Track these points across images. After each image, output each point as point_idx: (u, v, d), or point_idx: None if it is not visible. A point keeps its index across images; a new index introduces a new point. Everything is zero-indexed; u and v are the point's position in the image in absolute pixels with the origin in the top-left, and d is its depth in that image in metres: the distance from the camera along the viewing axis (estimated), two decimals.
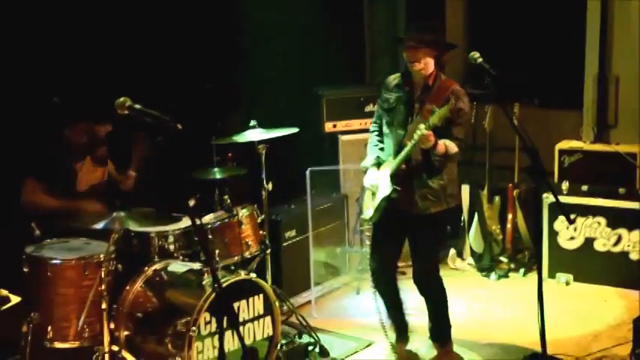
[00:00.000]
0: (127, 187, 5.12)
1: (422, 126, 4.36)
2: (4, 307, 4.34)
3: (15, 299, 4.37)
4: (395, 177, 4.60)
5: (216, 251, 4.62)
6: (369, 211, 4.77)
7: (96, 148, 4.92)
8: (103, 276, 4.20)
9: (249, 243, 4.82)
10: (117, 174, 5.11)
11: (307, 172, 5.67)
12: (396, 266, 4.94)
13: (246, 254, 4.83)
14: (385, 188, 4.62)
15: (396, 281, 4.95)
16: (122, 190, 5.07)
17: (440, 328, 4.94)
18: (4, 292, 4.38)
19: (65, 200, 4.74)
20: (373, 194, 4.74)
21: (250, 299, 4.49)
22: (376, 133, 4.88)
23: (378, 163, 4.77)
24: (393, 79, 4.78)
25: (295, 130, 5.13)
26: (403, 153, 4.55)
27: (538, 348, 3.87)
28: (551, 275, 6.24)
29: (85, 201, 4.82)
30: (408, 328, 5.03)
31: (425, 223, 4.68)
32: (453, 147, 4.52)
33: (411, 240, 4.82)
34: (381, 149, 4.81)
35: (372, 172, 4.76)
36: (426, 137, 4.36)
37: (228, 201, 4.83)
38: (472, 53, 4.01)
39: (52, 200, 4.72)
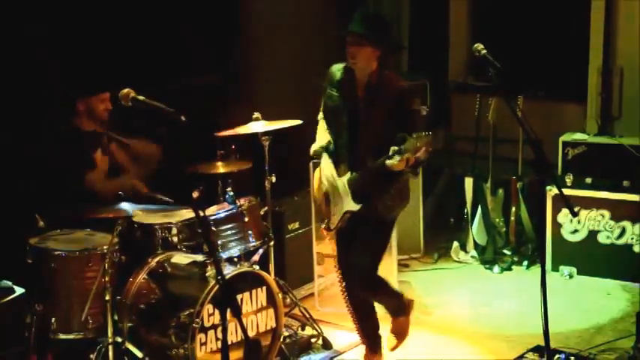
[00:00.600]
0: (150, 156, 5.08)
1: (396, 157, 3.99)
2: (8, 298, 4.35)
3: (19, 290, 4.38)
4: (355, 190, 4.36)
5: (219, 243, 4.62)
6: (333, 220, 4.52)
7: (102, 137, 4.93)
8: (106, 267, 4.20)
9: (253, 235, 4.82)
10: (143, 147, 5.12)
11: (310, 164, 5.66)
12: None
13: (250, 246, 4.83)
14: (349, 201, 4.39)
15: None
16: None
17: (394, 303, 4.71)
18: (8, 284, 4.39)
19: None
20: (330, 195, 4.52)
21: (253, 291, 4.49)
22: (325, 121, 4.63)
23: (330, 150, 4.52)
24: (338, 70, 4.47)
25: (299, 122, 5.12)
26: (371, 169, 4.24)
27: (541, 341, 3.87)
28: (555, 268, 6.24)
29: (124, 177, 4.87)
30: (381, 340, 4.76)
31: (381, 226, 4.48)
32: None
33: (362, 239, 4.48)
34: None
35: (327, 163, 4.51)
36: (399, 166, 4.05)
37: (232, 193, 4.83)
38: (476, 45, 3.99)
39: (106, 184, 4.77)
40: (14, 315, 4.32)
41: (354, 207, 4.38)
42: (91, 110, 4.87)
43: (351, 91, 4.39)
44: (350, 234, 4.51)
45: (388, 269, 5.78)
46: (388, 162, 4.04)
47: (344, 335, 5.20)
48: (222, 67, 6.15)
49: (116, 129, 4.98)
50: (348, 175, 4.42)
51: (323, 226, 4.66)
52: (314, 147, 4.61)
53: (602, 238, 6.14)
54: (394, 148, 4.00)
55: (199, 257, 4.56)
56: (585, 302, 5.79)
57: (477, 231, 6.53)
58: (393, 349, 4.75)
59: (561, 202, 6.02)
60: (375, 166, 4.20)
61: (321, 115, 4.70)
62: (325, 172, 4.59)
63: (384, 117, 4.24)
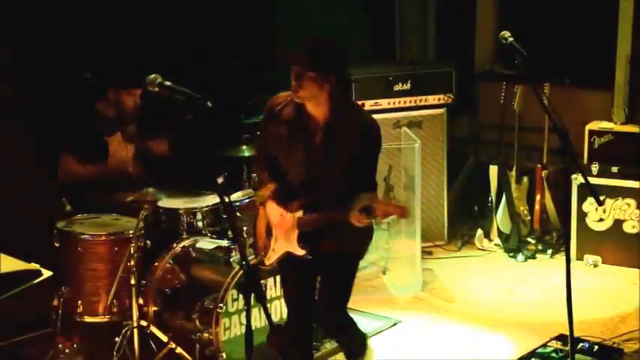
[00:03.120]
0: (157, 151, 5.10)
1: (364, 218, 3.47)
2: (36, 281, 4.40)
3: (46, 273, 4.43)
4: (303, 231, 3.72)
5: (244, 228, 4.64)
6: (271, 255, 3.86)
7: (126, 124, 4.97)
8: (132, 252, 4.24)
9: None
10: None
11: None
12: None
13: None
14: (293, 242, 3.74)
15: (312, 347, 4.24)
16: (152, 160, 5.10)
17: (359, 346, 4.21)
18: (36, 266, 4.44)
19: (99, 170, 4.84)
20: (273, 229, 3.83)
21: (278, 277, 4.51)
22: (267, 157, 3.88)
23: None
24: (282, 103, 3.74)
25: None
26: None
27: (565, 329, 3.86)
28: (579, 257, 6.20)
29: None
30: None
31: (347, 262, 3.92)
32: None
33: (330, 281, 3.95)
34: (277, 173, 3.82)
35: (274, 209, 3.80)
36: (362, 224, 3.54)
37: (257, 178, 4.85)
38: (503, 33, 3.95)
39: (86, 170, 4.82)
40: (42, 298, 4.37)
41: (297, 251, 3.76)
42: (120, 102, 4.93)
43: (304, 128, 3.68)
44: (298, 271, 3.90)
45: (412, 256, 5.80)
46: (355, 221, 3.50)
47: (366, 322, 5.21)
48: (249, 52, 6.16)
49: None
50: (300, 214, 3.73)
51: (253, 259, 4.03)
52: (262, 194, 3.88)
53: (627, 228, 6.10)
54: (365, 203, 3.48)
55: (224, 242, 4.59)
56: (610, 291, 5.76)
57: (501, 219, 6.51)
58: None
59: (587, 190, 5.98)
60: (335, 216, 3.60)
61: (262, 154, 3.95)
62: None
63: (347, 156, 3.63)
